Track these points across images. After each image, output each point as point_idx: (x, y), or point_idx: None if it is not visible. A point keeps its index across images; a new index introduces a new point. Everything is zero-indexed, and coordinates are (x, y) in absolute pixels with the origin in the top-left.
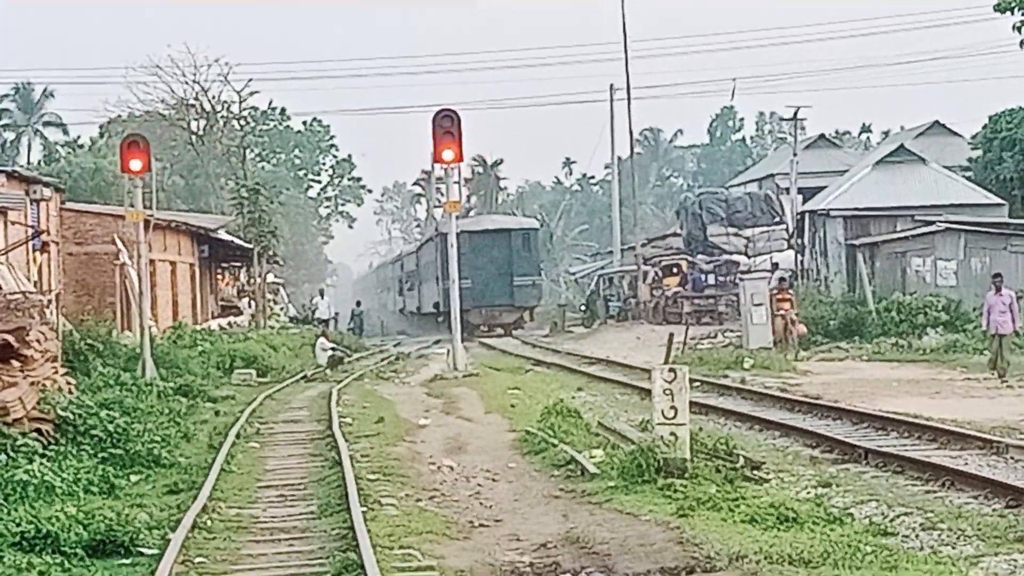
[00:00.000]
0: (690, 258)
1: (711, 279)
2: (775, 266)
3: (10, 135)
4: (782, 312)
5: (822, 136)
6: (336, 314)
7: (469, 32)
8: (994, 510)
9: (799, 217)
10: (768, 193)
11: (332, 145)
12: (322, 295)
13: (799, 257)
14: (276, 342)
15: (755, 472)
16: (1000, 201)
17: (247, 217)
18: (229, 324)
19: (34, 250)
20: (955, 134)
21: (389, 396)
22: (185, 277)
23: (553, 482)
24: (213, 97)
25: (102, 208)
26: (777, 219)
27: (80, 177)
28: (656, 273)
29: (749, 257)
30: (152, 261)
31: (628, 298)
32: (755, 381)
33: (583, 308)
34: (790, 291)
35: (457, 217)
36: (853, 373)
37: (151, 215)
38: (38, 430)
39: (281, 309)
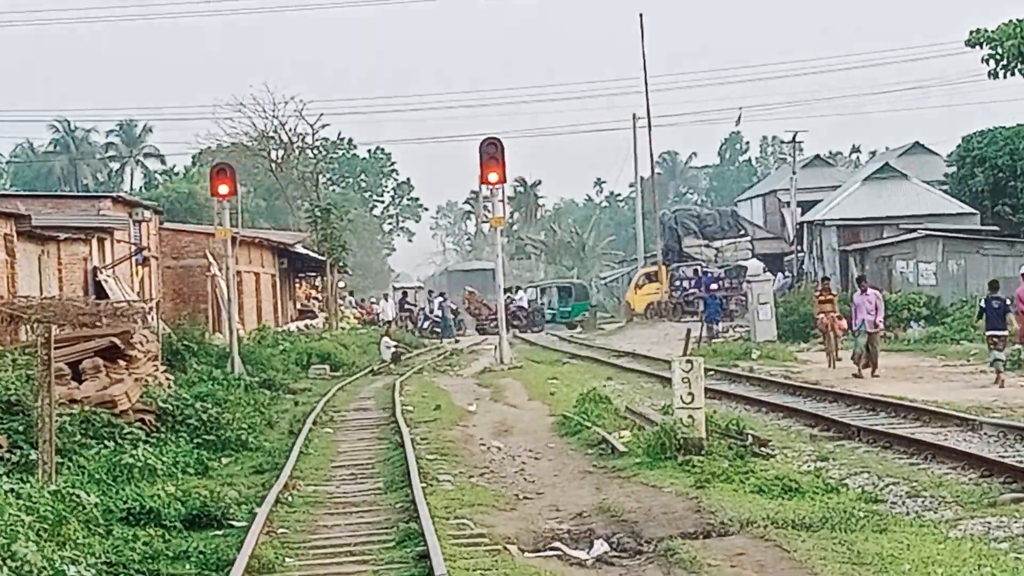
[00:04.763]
0: (704, 266)
1: (724, 283)
2: (782, 271)
3: (115, 165)
4: (823, 313)
5: (818, 156)
6: (396, 315)
7: (510, 68)
8: (971, 479)
9: (799, 227)
10: (734, 210)
11: (393, 170)
12: (386, 298)
13: (803, 261)
14: (347, 341)
15: (762, 449)
16: (973, 211)
17: (320, 233)
18: (306, 326)
19: (137, 264)
20: (933, 153)
21: (445, 387)
22: (267, 286)
23: (587, 459)
24: (290, 130)
25: (195, 227)
26: (742, 232)
27: (176, 201)
28: (640, 279)
29: (719, 266)
30: (239, 272)
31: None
32: (761, 370)
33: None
34: (832, 292)
35: (473, 256)
36: (847, 362)
37: (237, 233)
38: (142, 420)
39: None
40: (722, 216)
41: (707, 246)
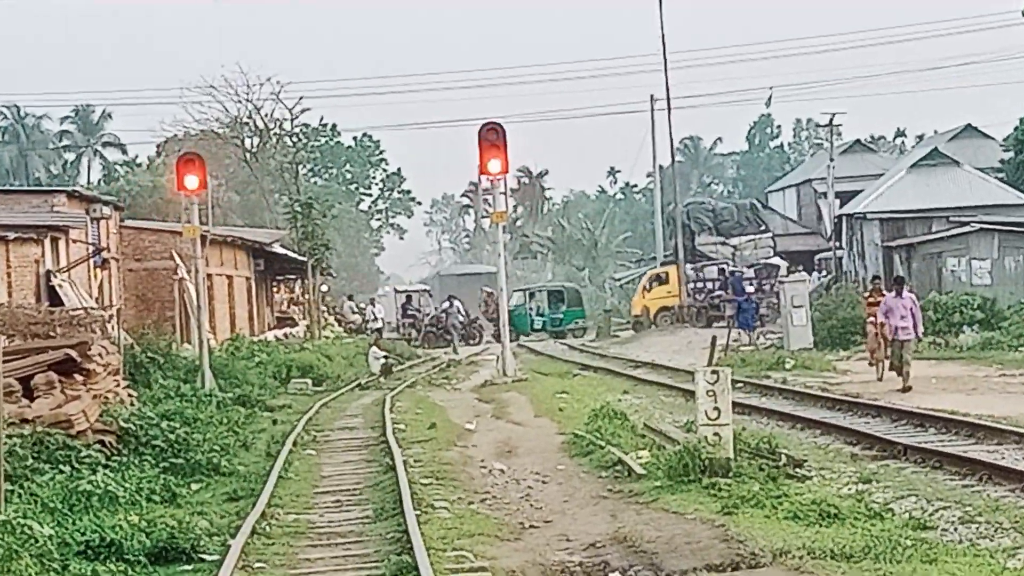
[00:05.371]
0: (731, 265)
1: (752, 284)
2: (817, 270)
3: (71, 156)
4: (874, 318)
5: (858, 141)
6: (385, 322)
7: (513, 47)
8: None
9: (837, 220)
10: (753, 203)
11: (382, 159)
12: (373, 303)
13: (841, 258)
14: (331, 352)
15: (797, 470)
16: None
17: (301, 231)
18: (285, 335)
19: (95, 267)
20: (987, 137)
21: (441, 402)
22: (241, 290)
23: (601, 483)
24: (266, 115)
25: (160, 225)
26: (762, 228)
27: (139, 195)
28: (648, 282)
29: (747, 265)
30: (209, 275)
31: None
32: (796, 381)
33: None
34: (884, 293)
35: (462, 257)
36: (892, 372)
37: (207, 231)
38: (101, 441)
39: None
40: (740, 210)
41: (723, 244)
